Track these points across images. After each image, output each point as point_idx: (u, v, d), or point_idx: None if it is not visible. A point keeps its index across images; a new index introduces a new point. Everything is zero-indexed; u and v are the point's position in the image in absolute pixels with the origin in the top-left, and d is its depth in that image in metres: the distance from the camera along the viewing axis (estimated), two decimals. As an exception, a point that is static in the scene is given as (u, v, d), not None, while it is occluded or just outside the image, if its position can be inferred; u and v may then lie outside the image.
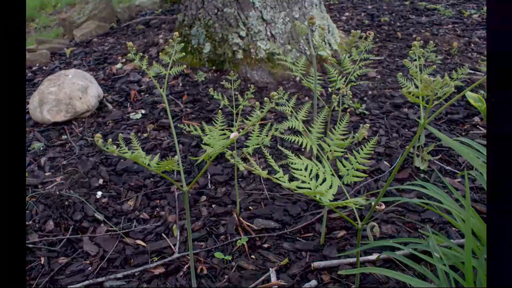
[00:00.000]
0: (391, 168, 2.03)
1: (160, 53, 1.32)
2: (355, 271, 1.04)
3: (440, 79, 0.80)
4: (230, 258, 1.57)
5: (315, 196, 0.91)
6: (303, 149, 2.17)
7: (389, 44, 3.56)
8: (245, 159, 2.17)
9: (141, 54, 1.30)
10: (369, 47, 1.44)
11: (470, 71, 2.96)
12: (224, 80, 2.89)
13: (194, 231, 1.72)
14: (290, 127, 1.20)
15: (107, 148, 0.86)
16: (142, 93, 2.92)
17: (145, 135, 2.42)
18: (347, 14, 4.42)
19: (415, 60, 1.12)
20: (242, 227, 1.73)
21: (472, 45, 3.47)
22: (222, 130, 1.25)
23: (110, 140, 0.88)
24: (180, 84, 2.98)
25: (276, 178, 0.91)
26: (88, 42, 4.14)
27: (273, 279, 1.45)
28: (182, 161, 2.15)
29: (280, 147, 1.17)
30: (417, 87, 1.27)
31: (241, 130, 1.22)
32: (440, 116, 2.45)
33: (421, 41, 1.00)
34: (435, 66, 1.22)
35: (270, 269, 1.49)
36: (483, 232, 1.20)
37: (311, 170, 1.03)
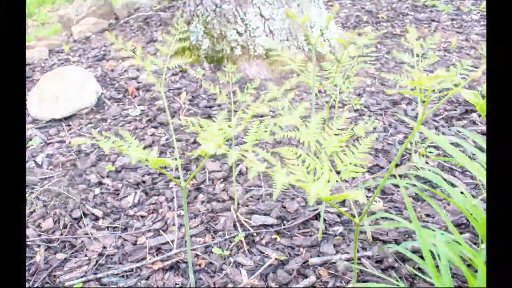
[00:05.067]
0: (389, 164, 2.03)
1: (158, 49, 1.33)
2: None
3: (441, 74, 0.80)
4: (228, 254, 1.58)
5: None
6: (301, 146, 2.17)
7: (388, 40, 3.56)
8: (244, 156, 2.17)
9: (140, 50, 1.30)
10: (370, 41, 1.44)
11: (469, 67, 2.96)
12: (222, 76, 2.89)
13: (192, 227, 1.73)
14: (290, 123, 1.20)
15: (97, 140, 0.86)
16: (141, 90, 2.91)
17: (143, 131, 2.42)
18: (345, 10, 4.41)
19: (411, 47, 1.12)
20: (240, 223, 1.73)
21: (471, 41, 3.47)
22: (220, 125, 1.25)
23: (104, 133, 0.88)
24: (179, 81, 2.98)
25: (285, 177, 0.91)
26: (86, 39, 4.13)
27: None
28: (180, 158, 2.15)
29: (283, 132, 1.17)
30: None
31: (239, 124, 1.22)
32: (438, 112, 2.45)
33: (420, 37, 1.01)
34: (431, 59, 1.22)
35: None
36: (482, 227, 1.21)
37: (309, 165, 1.04)
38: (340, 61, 1.54)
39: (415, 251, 1.52)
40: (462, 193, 1.84)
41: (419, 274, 1.17)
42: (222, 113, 1.27)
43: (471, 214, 1.24)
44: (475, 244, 1.54)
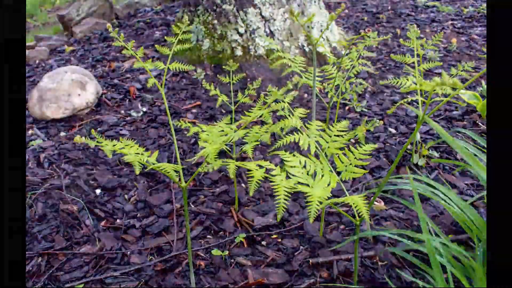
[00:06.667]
0: (390, 164, 2.03)
1: (158, 50, 1.33)
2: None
3: (440, 78, 0.80)
4: (228, 254, 1.58)
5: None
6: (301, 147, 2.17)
7: (388, 41, 3.56)
8: (244, 157, 2.17)
9: (142, 50, 1.30)
10: (371, 43, 1.44)
11: (469, 69, 2.96)
12: (222, 76, 2.90)
13: (193, 228, 1.73)
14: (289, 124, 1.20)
15: (99, 142, 0.86)
16: (142, 90, 2.92)
17: (144, 132, 2.42)
18: (346, 11, 4.41)
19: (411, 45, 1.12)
20: (241, 223, 1.73)
21: (471, 41, 3.47)
22: (220, 127, 1.25)
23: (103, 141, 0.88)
24: (179, 81, 2.98)
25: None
26: (87, 39, 4.13)
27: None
28: (180, 158, 2.15)
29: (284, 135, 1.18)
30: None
31: (240, 126, 1.22)
32: (439, 113, 2.45)
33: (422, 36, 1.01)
34: (432, 62, 1.22)
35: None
36: (481, 228, 1.21)
37: (309, 167, 1.04)
38: (341, 62, 1.54)
39: (409, 251, 1.51)
40: (461, 192, 1.84)
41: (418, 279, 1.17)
42: (223, 114, 1.27)
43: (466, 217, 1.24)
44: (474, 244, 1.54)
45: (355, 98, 2.63)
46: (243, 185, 1.96)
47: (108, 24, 1.20)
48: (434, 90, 0.88)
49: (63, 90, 2.61)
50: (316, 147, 1.19)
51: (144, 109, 2.66)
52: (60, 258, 1.61)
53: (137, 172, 0.84)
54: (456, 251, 1.13)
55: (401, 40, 1.32)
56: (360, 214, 0.96)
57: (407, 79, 1.34)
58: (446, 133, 0.84)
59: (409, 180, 1.41)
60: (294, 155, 1.09)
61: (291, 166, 1.04)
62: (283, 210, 1.49)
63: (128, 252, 1.62)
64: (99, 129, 2.49)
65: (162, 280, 1.49)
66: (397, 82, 1.30)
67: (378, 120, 2.39)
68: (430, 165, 2.01)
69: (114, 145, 0.93)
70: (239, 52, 2.99)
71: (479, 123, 2.32)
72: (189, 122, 2.48)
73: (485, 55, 3.18)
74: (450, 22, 3.95)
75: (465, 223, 1.25)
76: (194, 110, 2.60)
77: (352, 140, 2.21)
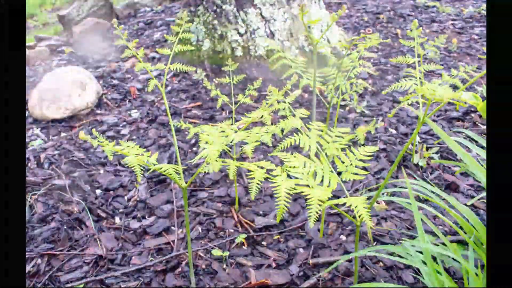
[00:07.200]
0: (391, 165, 2.03)
1: (158, 51, 1.33)
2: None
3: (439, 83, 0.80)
4: (228, 255, 1.58)
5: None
6: (301, 147, 2.17)
7: (389, 40, 3.56)
8: (244, 158, 2.17)
9: (143, 51, 1.31)
10: (372, 43, 1.44)
11: (469, 70, 2.97)
12: (222, 76, 2.90)
13: (193, 228, 1.73)
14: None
15: (100, 142, 0.86)
16: (142, 91, 2.92)
17: (144, 132, 2.42)
18: (346, 11, 4.41)
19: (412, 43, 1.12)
20: (241, 224, 1.73)
21: (471, 42, 3.47)
22: (221, 128, 1.25)
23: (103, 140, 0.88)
24: (180, 81, 2.98)
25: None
26: (87, 39, 4.13)
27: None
28: (181, 158, 2.15)
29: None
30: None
31: (241, 126, 1.22)
32: (439, 113, 2.45)
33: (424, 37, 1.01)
34: (433, 66, 1.22)
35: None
36: (480, 230, 1.21)
37: (309, 168, 1.04)
38: (341, 63, 1.54)
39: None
40: (462, 193, 1.84)
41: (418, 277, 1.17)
42: (224, 116, 1.27)
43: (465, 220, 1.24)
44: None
45: (355, 98, 2.63)
46: (243, 185, 1.96)
47: (114, 20, 1.20)
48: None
49: (63, 90, 2.61)
50: (317, 148, 1.19)
51: (145, 109, 2.66)
52: (61, 258, 1.61)
53: (139, 180, 0.84)
54: (452, 251, 1.13)
55: (401, 40, 1.32)
56: (360, 216, 0.97)
57: (410, 79, 1.35)
58: (446, 135, 0.84)
59: (409, 182, 1.41)
60: (294, 156, 1.09)
61: (291, 167, 1.04)
62: (283, 211, 1.49)
63: (128, 253, 1.62)
64: (99, 129, 2.49)
65: (163, 281, 1.49)
66: (399, 85, 1.30)
67: (378, 121, 2.39)
68: (431, 165, 2.01)
69: (114, 147, 0.93)
70: (239, 52, 2.99)
71: (479, 124, 2.32)
72: (189, 122, 2.48)
73: (485, 56, 3.18)
74: (450, 22, 3.95)
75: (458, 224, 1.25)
76: (194, 111, 2.60)
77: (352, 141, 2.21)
